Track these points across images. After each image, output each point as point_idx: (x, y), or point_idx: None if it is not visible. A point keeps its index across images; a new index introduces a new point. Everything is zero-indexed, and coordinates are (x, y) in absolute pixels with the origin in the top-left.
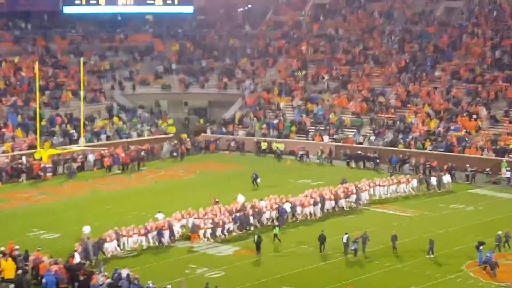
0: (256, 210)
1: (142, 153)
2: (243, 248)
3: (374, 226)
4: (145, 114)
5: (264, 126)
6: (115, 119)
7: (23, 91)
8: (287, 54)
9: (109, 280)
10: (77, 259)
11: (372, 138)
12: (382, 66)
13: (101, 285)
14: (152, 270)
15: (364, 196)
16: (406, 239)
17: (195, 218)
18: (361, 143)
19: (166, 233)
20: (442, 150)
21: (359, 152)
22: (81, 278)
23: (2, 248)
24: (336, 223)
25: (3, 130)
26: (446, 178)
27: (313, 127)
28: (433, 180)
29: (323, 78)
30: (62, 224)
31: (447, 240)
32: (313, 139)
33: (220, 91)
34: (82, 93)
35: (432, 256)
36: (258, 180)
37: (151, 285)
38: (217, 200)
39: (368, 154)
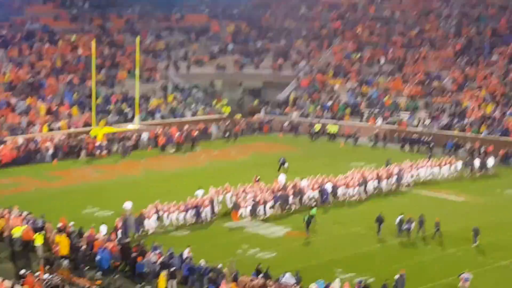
0: (297, 189)
1: (196, 133)
2: (295, 229)
3: (426, 210)
4: (200, 94)
5: (318, 108)
6: (170, 98)
7: (80, 69)
8: (343, 36)
9: (161, 258)
10: (103, 232)
11: (427, 121)
12: (439, 50)
13: (154, 263)
14: (204, 250)
15: (407, 178)
16: (459, 224)
17: (233, 195)
18: (415, 127)
19: (207, 210)
20: (498, 135)
21: (414, 135)
22: (134, 255)
23: (60, 224)
24: (391, 205)
25: (56, 108)
26: (490, 161)
27: (368, 110)
28: (476, 162)
29: (379, 61)
30: (115, 202)
31: (501, 226)
32: (367, 122)
33: (275, 72)
34: (137, 72)
35: (476, 244)
36: (286, 165)
37: (203, 264)
38: (258, 178)
39: (423, 138)
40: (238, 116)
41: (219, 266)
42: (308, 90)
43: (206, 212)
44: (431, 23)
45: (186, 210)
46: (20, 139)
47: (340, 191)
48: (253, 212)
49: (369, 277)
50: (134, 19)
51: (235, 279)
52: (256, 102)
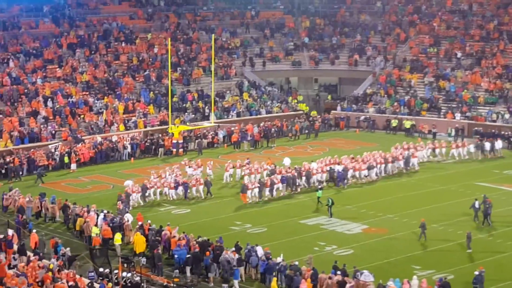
0: (304, 171)
1: (272, 130)
2: (372, 226)
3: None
4: (275, 91)
5: (395, 103)
6: (245, 95)
7: (156, 67)
8: (419, 30)
9: (237, 256)
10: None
11: (506, 116)
12: None
13: (228, 261)
14: (282, 246)
15: (415, 161)
16: None
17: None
18: (494, 121)
19: (199, 188)
20: None
21: (493, 130)
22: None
23: (138, 223)
24: (468, 201)
25: (133, 106)
26: (498, 144)
27: (445, 105)
28: (487, 145)
29: (456, 55)
30: (193, 200)
31: None
32: (444, 117)
33: (351, 68)
34: (213, 70)
35: (469, 251)
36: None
37: (280, 260)
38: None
39: (502, 132)
40: (314, 112)
41: (295, 263)
42: (384, 86)
43: (196, 190)
44: (509, 16)
45: (176, 187)
46: (98, 138)
47: (350, 174)
48: (261, 194)
49: (448, 274)
50: (209, 17)
51: (312, 276)
52: (329, 97)
